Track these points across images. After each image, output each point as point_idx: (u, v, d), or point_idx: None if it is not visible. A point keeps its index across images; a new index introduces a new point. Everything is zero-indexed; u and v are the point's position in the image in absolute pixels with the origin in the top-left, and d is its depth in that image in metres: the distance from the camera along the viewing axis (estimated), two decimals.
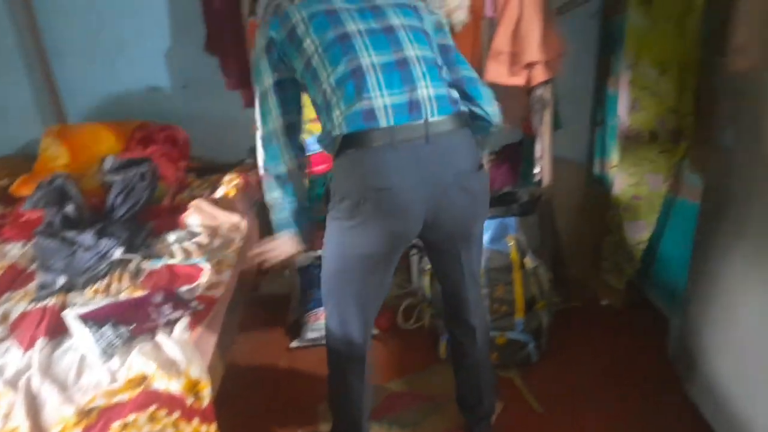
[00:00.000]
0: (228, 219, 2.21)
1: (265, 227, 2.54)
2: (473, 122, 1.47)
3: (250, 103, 2.70)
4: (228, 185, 2.51)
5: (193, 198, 2.43)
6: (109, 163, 2.37)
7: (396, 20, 1.38)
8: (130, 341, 1.46)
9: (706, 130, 1.85)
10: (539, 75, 2.23)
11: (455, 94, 1.41)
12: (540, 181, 2.41)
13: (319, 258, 2.49)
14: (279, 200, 1.49)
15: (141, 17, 2.87)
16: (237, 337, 2.14)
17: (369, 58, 1.31)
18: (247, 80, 2.55)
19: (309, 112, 2.12)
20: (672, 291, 2.09)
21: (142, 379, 1.33)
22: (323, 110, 1.38)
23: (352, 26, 1.34)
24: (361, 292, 1.44)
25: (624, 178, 2.19)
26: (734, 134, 1.63)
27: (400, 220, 1.33)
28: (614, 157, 2.29)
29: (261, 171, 2.43)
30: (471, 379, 1.69)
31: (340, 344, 1.50)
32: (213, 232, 2.16)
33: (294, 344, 2.33)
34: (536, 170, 2.40)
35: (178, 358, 1.40)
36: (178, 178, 2.68)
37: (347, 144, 1.31)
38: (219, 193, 2.48)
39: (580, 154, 2.78)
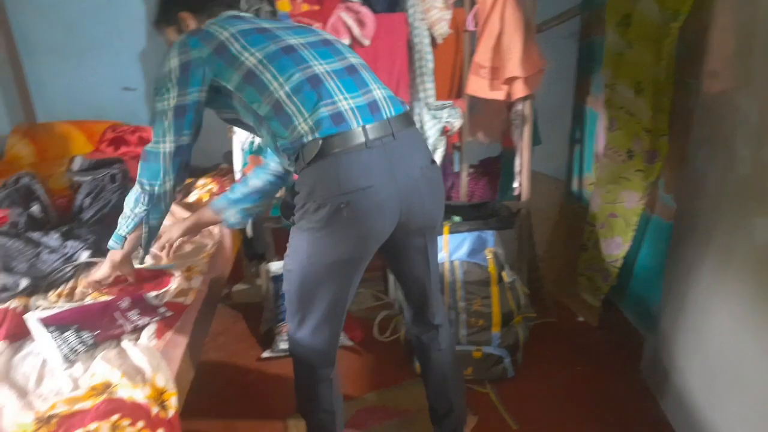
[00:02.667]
0: None
1: (238, 233, 2.50)
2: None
3: None
4: (201, 190, 2.46)
5: None
6: (77, 163, 2.30)
7: (327, 36, 1.45)
8: (94, 347, 1.39)
9: (679, 151, 1.88)
10: (519, 90, 2.25)
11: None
12: (519, 196, 2.43)
13: None
14: (139, 216, 1.51)
15: (116, 16, 2.81)
16: (207, 346, 2.08)
17: (321, 66, 1.33)
18: None
19: None
20: (647, 309, 2.11)
21: (106, 387, 1.26)
22: (275, 121, 1.32)
23: (292, 40, 1.35)
24: (336, 299, 1.41)
25: (601, 195, 2.22)
26: (707, 156, 1.66)
27: (378, 218, 1.33)
28: (592, 174, 2.32)
29: (237, 176, 2.39)
30: (440, 384, 1.67)
31: (311, 354, 1.47)
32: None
33: (266, 354, 2.27)
34: (515, 184, 2.42)
35: (144, 365, 1.34)
36: None
37: (319, 150, 1.28)
38: (192, 197, 2.42)
39: (559, 170, 2.81)
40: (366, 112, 1.32)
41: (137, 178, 1.47)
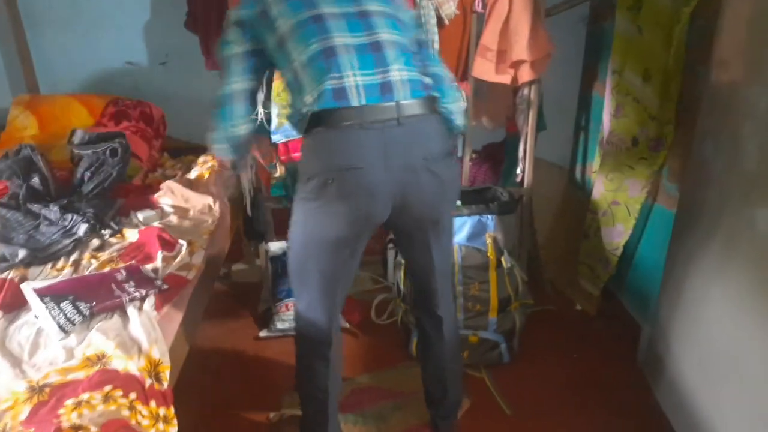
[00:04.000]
0: (200, 201, 2.15)
1: (239, 211, 2.49)
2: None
3: None
4: (202, 167, 2.45)
5: (166, 178, 2.36)
6: (78, 137, 2.28)
7: (372, 6, 1.38)
8: (90, 318, 1.40)
9: (685, 139, 1.86)
10: (525, 74, 2.22)
11: (428, 80, 1.40)
12: (521, 181, 2.41)
13: None
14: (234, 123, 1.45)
15: None
16: (204, 323, 2.08)
17: (342, 39, 1.31)
18: None
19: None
20: (645, 299, 2.10)
21: (100, 358, 1.27)
22: (294, 88, 1.37)
23: (328, 9, 1.34)
24: (325, 275, 1.42)
25: (604, 183, 2.20)
26: (712, 146, 1.64)
27: (366, 200, 1.32)
28: (596, 162, 2.29)
29: None
30: (437, 372, 1.67)
31: (307, 327, 1.49)
32: (183, 213, 2.10)
33: (263, 334, 2.28)
34: (518, 170, 2.40)
35: (140, 337, 1.34)
36: (152, 156, 2.60)
37: (316, 122, 1.30)
38: (192, 174, 2.41)
39: (563, 157, 2.78)
40: (374, 91, 1.29)
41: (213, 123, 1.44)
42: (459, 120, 1.51)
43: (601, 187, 2.21)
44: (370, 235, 1.43)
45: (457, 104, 1.49)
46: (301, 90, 1.32)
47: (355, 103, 1.28)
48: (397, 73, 1.32)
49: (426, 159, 1.33)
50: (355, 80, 1.28)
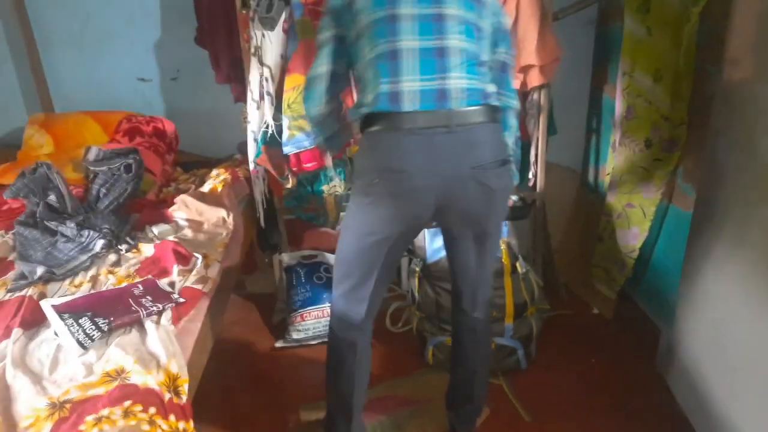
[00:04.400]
0: (214, 214, 2.16)
1: (253, 223, 2.51)
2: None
3: (239, 98, 2.66)
4: (215, 180, 2.46)
5: (180, 192, 2.39)
6: (93, 153, 2.31)
7: (451, 10, 1.37)
8: (108, 334, 1.41)
9: (699, 139, 1.84)
10: (534, 79, 2.21)
11: (492, 89, 1.41)
12: (534, 186, 2.40)
13: (305, 258, 2.48)
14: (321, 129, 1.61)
15: (131, 7, 2.83)
16: (221, 335, 2.09)
17: (410, 42, 1.33)
18: (237, 74, 2.51)
19: (300, 108, 2.11)
20: (663, 301, 2.08)
21: (119, 373, 1.28)
22: (361, 86, 1.43)
23: (406, 9, 1.35)
24: (363, 267, 1.46)
25: (618, 185, 2.18)
26: (726, 145, 1.62)
27: (409, 203, 1.36)
28: (609, 164, 2.28)
29: (251, 166, 2.39)
30: (465, 375, 1.68)
31: (339, 314, 1.53)
32: (198, 227, 2.11)
33: (279, 344, 2.28)
34: (530, 175, 2.39)
35: (158, 351, 1.35)
36: (165, 171, 2.63)
37: (370, 123, 1.37)
38: (206, 187, 2.43)
39: (575, 160, 2.77)
40: (429, 97, 1.31)
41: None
42: (513, 103, 1.57)
43: (615, 190, 2.20)
44: (415, 235, 1.51)
45: (510, 139, 1.55)
46: (365, 88, 1.39)
47: (407, 108, 1.31)
48: (458, 81, 1.33)
49: (474, 168, 1.34)
50: (412, 85, 1.31)
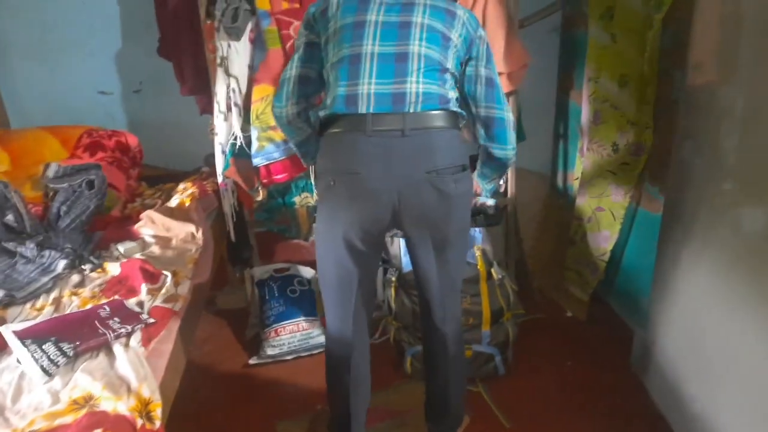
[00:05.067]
0: (182, 229, 2.11)
1: (223, 237, 2.45)
2: (489, 161, 1.56)
3: (205, 110, 2.60)
4: (182, 194, 2.40)
5: (145, 207, 2.32)
6: (52, 170, 2.23)
7: (417, 18, 1.38)
8: (74, 359, 1.34)
9: (664, 143, 1.88)
10: (503, 86, 2.23)
11: (451, 95, 1.41)
12: (505, 192, 2.41)
13: (278, 271, 2.43)
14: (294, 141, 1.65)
15: (91, 17, 2.75)
16: (193, 353, 2.03)
17: (371, 47, 1.35)
18: (203, 86, 2.45)
19: (269, 118, 2.07)
20: (635, 302, 2.11)
21: (87, 400, 1.22)
22: (327, 89, 1.45)
23: (372, 16, 1.38)
24: (340, 275, 1.45)
25: (587, 189, 2.21)
26: (692, 147, 1.66)
27: (366, 205, 1.37)
28: (577, 169, 2.31)
29: (219, 179, 2.34)
30: (439, 387, 1.66)
31: (331, 329, 1.55)
32: (166, 243, 2.05)
33: (253, 361, 2.22)
34: (501, 181, 2.40)
35: (128, 375, 1.29)
36: (129, 186, 2.55)
37: (327, 124, 1.39)
38: (173, 202, 2.36)
39: (544, 166, 2.80)
40: (385, 101, 1.33)
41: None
42: (509, 158, 1.58)
43: (584, 194, 2.22)
44: (380, 241, 1.49)
45: (504, 152, 1.54)
46: (327, 91, 1.42)
47: (362, 110, 1.32)
48: (416, 86, 1.34)
49: (430, 173, 1.35)
50: (369, 88, 1.33)
